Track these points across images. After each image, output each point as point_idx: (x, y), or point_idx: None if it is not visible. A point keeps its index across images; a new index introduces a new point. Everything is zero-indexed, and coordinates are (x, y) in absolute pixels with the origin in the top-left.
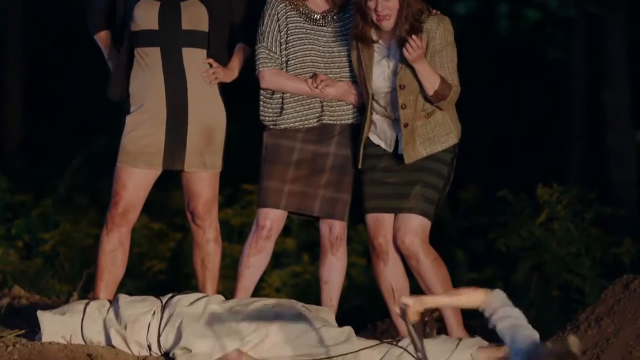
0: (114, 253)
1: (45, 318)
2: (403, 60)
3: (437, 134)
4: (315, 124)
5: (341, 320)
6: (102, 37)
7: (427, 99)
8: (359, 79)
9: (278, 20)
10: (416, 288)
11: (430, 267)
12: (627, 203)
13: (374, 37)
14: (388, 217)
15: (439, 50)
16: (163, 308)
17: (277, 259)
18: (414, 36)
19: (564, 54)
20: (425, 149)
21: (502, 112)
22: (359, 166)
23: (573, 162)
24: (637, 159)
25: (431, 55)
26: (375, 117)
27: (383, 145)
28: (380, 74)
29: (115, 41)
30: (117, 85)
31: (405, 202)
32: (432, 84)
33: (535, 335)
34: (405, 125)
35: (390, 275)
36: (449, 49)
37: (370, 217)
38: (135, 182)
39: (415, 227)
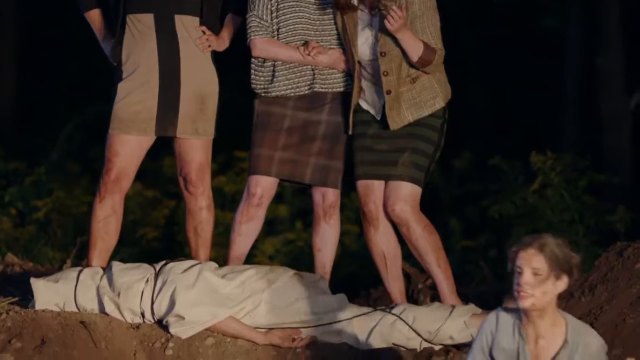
0: (107, 220)
1: (39, 285)
2: (383, 27)
3: (424, 99)
4: (306, 92)
5: (334, 288)
6: (93, 16)
7: (411, 64)
8: (345, 46)
9: None
10: (408, 255)
11: (422, 234)
12: (620, 170)
13: (355, 3)
14: (378, 184)
15: (419, 15)
16: (156, 275)
17: (270, 227)
18: (394, 6)
19: (558, 21)
20: (412, 115)
21: (496, 79)
22: (350, 132)
23: (567, 130)
24: (631, 126)
25: (411, 22)
26: (364, 83)
27: (372, 111)
28: (365, 42)
29: (107, 9)
30: (118, 51)
31: (394, 169)
32: (416, 51)
33: None
34: (388, 92)
35: (382, 241)
36: (430, 12)
37: (361, 184)
38: (127, 149)
39: (405, 194)
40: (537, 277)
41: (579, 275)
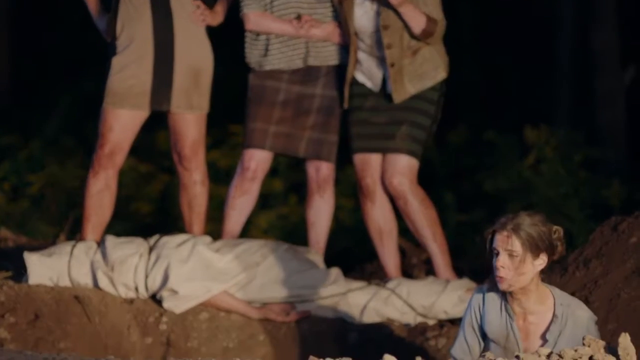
0: (100, 195)
1: (32, 260)
2: (384, 0)
3: (425, 70)
4: (300, 65)
5: (329, 262)
6: None
7: (413, 36)
8: (341, 18)
9: None
10: (404, 229)
11: (419, 207)
12: (615, 145)
13: None
14: (375, 157)
15: None
16: (150, 250)
17: (265, 201)
18: None
19: None
20: (414, 87)
21: (490, 53)
22: (345, 106)
23: (561, 104)
24: (626, 100)
25: None
26: (361, 55)
27: (369, 84)
28: (364, 14)
29: None
30: (112, 26)
31: (392, 142)
32: (418, 24)
33: None
34: (392, 65)
35: (378, 215)
36: None
37: (358, 157)
38: (121, 123)
39: (403, 167)
40: (513, 258)
41: (564, 247)
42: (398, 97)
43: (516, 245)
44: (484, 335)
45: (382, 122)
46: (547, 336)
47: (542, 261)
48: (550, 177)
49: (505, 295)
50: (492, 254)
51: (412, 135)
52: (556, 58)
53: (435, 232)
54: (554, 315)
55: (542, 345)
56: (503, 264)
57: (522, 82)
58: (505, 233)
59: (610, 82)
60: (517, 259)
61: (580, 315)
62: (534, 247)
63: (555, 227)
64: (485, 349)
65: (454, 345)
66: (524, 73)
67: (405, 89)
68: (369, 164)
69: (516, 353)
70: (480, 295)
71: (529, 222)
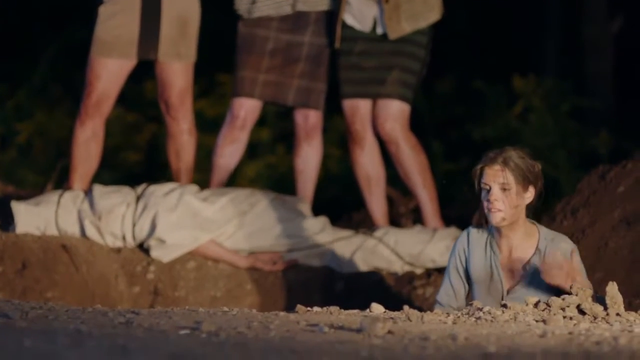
0: (88, 144)
1: (20, 209)
2: None
3: (420, 10)
4: (289, 12)
5: (316, 211)
6: None
7: None
8: None
9: None
10: (392, 178)
11: (410, 153)
12: (603, 94)
13: None
14: (364, 103)
15: None
16: (137, 199)
17: (252, 150)
18: None
19: None
20: (410, 25)
21: (479, 2)
22: (337, 45)
23: (549, 54)
24: (613, 50)
25: None
26: None
27: (358, 26)
28: None
29: None
30: None
31: (383, 87)
32: None
33: None
34: (387, 1)
35: (367, 162)
36: None
37: (347, 103)
38: (109, 72)
39: (395, 112)
40: (506, 192)
41: (542, 184)
42: (393, 33)
43: (509, 177)
44: (469, 279)
45: (372, 66)
46: (527, 267)
47: (530, 194)
48: (538, 126)
49: (491, 233)
50: (482, 189)
51: (403, 80)
52: (544, 7)
53: (425, 178)
54: (537, 248)
55: (521, 278)
56: (497, 197)
57: (510, 30)
58: (496, 167)
59: (598, 31)
60: (509, 192)
61: (562, 247)
62: (524, 179)
63: (535, 162)
64: (471, 296)
65: (439, 291)
66: (512, 22)
67: (400, 26)
68: (359, 109)
69: (501, 299)
70: (465, 238)
71: (516, 155)
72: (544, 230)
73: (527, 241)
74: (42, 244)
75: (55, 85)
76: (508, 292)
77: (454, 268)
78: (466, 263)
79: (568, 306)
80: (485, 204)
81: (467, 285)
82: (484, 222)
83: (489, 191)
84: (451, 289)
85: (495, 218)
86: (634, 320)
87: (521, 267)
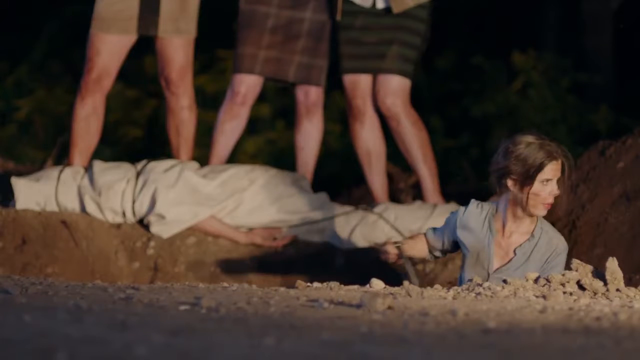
0: (88, 120)
1: (20, 185)
2: None
3: None
4: None
5: (316, 187)
6: None
7: None
8: None
9: None
10: (391, 154)
11: (411, 129)
12: (602, 70)
13: None
14: (365, 78)
15: None
16: (137, 175)
17: (253, 126)
18: None
19: None
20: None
21: None
22: (338, 17)
23: (549, 29)
24: (613, 25)
25: None
26: None
27: (358, 0)
28: None
29: None
30: None
31: (383, 62)
32: None
33: None
34: None
35: (367, 137)
36: None
37: (348, 78)
38: (109, 48)
39: (396, 87)
40: (560, 187)
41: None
42: (397, 6)
43: (566, 172)
44: (454, 247)
45: (373, 41)
46: (517, 251)
47: None
48: (538, 102)
49: (492, 212)
50: (536, 180)
51: (403, 54)
52: None
53: (425, 154)
54: (531, 235)
55: (509, 260)
56: (555, 193)
57: (510, 5)
58: (559, 163)
59: (597, 7)
60: (562, 187)
61: (556, 243)
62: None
63: None
64: (464, 260)
65: (435, 230)
66: None
67: (404, 0)
68: (359, 84)
69: (486, 276)
70: (463, 208)
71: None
72: (543, 220)
73: (525, 227)
74: (42, 220)
75: (55, 61)
76: (495, 271)
77: (441, 230)
78: (457, 229)
79: (568, 282)
80: (538, 196)
81: (446, 246)
82: (522, 206)
83: (546, 185)
84: (441, 235)
85: (545, 212)
86: (634, 296)
87: (512, 251)
